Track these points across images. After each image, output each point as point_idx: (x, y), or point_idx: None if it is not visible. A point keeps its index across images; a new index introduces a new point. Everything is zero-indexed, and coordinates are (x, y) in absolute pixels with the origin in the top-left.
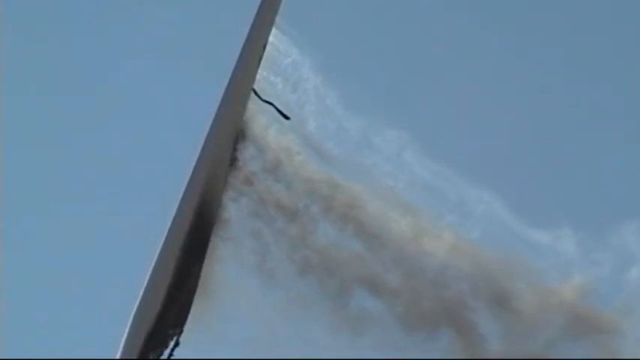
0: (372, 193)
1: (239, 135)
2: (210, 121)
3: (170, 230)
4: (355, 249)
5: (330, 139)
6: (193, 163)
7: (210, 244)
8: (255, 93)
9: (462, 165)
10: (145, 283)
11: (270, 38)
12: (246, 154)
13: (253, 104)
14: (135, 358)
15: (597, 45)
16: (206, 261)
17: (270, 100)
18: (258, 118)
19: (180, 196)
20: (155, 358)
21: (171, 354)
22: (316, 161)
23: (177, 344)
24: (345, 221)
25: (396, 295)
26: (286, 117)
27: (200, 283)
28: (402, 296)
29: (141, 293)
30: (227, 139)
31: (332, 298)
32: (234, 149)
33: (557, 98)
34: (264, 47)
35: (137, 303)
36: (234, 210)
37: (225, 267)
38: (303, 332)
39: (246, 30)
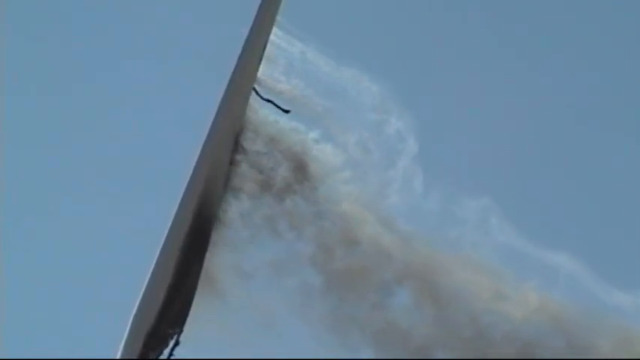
0: (454, 260)
1: (240, 135)
2: (210, 121)
3: (170, 230)
4: (434, 313)
5: (410, 210)
6: (193, 163)
7: (210, 245)
8: (256, 92)
9: (542, 227)
10: (145, 283)
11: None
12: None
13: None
14: (135, 358)
15: None
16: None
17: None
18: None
19: (180, 196)
20: (155, 357)
21: (171, 353)
22: (394, 229)
23: (177, 344)
24: (424, 286)
25: (474, 351)
26: (286, 111)
27: (200, 283)
28: (479, 351)
29: (141, 293)
30: (227, 139)
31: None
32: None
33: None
34: (265, 46)
35: (137, 303)
36: (317, 276)
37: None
38: None
39: (246, 30)
